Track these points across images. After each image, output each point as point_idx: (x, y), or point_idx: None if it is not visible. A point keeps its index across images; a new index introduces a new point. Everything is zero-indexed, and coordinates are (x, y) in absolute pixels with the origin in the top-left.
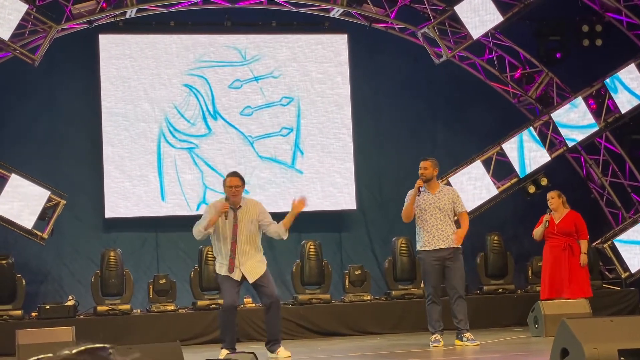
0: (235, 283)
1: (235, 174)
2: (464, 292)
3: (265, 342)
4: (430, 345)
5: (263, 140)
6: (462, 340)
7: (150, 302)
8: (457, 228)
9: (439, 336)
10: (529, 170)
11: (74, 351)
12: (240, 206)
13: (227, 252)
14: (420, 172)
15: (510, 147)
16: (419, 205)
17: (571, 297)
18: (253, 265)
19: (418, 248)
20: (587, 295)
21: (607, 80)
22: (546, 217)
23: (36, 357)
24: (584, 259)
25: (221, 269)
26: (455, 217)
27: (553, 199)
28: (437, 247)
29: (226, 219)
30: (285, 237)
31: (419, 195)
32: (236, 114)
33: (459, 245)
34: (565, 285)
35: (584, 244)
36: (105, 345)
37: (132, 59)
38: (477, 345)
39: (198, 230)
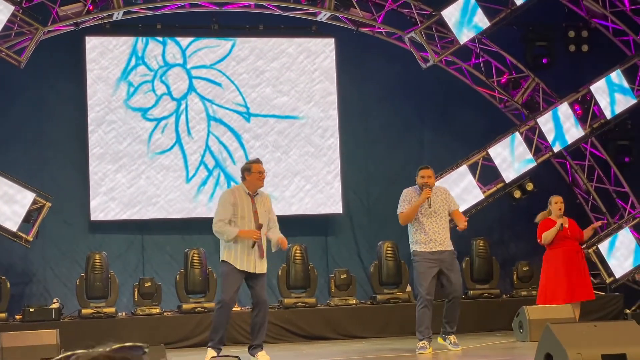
0: (238, 279)
1: (260, 160)
2: (461, 293)
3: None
4: (417, 352)
5: (252, 142)
6: (444, 341)
7: (135, 305)
8: (451, 228)
9: (426, 343)
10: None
11: (108, 349)
12: (257, 194)
13: (252, 240)
14: (424, 181)
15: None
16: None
17: (589, 299)
18: (262, 259)
19: (414, 249)
20: (593, 297)
21: (611, 74)
22: (561, 220)
23: (71, 352)
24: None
25: (229, 256)
26: (449, 217)
27: (562, 203)
28: (435, 250)
29: (252, 247)
30: (273, 250)
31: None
32: (225, 117)
33: (454, 250)
34: (581, 288)
35: (589, 231)
36: (141, 344)
37: (119, 61)
38: (460, 350)
39: (221, 232)
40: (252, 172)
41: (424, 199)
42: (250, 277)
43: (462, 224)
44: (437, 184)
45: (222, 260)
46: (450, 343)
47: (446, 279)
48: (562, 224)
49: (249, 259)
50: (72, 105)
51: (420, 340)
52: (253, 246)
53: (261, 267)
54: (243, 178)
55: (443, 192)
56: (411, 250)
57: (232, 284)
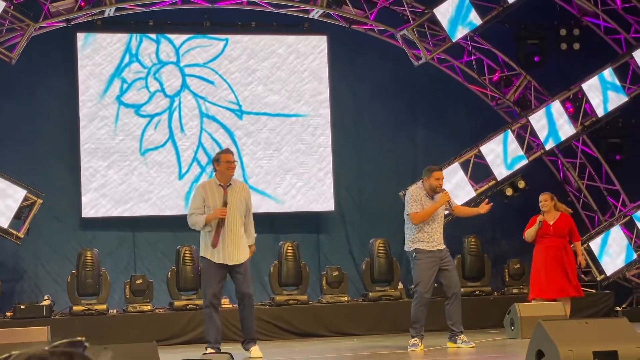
0: (219, 274)
1: (229, 150)
2: (460, 291)
3: (241, 341)
4: (408, 349)
5: (245, 139)
6: (455, 343)
7: (126, 302)
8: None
9: (418, 340)
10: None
11: (46, 348)
12: (230, 184)
13: (223, 232)
14: (439, 182)
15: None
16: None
17: (576, 295)
18: (238, 249)
19: (417, 247)
20: (581, 294)
21: (604, 72)
22: (540, 217)
23: (7, 354)
24: (582, 260)
25: (206, 251)
26: (448, 212)
27: (546, 201)
28: (435, 248)
29: (221, 227)
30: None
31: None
32: (218, 114)
33: (447, 248)
34: (565, 284)
35: (579, 246)
36: (80, 339)
37: (113, 57)
38: (473, 347)
39: (193, 224)
40: (221, 162)
41: (444, 202)
42: (232, 270)
43: (479, 209)
44: None
45: (201, 256)
46: (462, 342)
47: (444, 275)
48: (540, 222)
49: (225, 251)
50: (63, 101)
51: (413, 337)
52: (222, 225)
53: (238, 257)
54: (214, 169)
55: (445, 195)
56: (411, 249)
57: (213, 280)
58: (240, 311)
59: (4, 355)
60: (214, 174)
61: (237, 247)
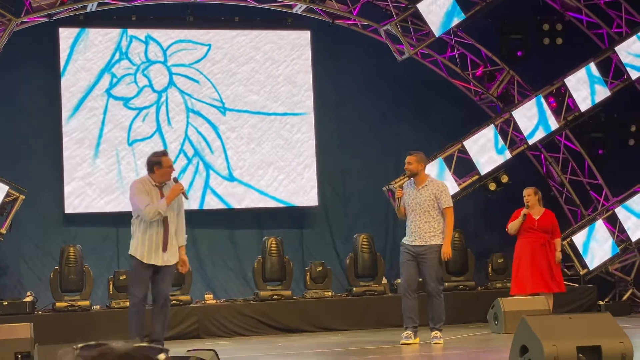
0: (147, 274)
1: (167, 153)
2: (435, 289)
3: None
4: (400, 342)
5: (228, 133)
6: (430, 338)
7: (110, 298)
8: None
9: (409, 332)
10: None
11: (133, 345)
12: (165, 184)
13: (157, 232)
14: (405, 167)
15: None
16: (405, 200)
17: (558, 290)
18: (168, 250)
19: (402, 240)
20: (563, 290)
21: (590, 66)
22: (524, 210)
23: (101, 342)
24: (559, 255)
25: (137, 250)
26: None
27: (530, 195)
28: (414, 243)
29: (187, 199)
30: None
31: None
32: (203, 109)
33: (437, 244)
34: (548, 279)
35: (559, 243)
36: (164, 347)
37: (94, 53)
38: (438, 344)
39: (156, 212)
40: (164, 166)
41: (396, 199)
42: (156, 271)
43: (446, 254)
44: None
45: (130, 255)
46: (433, 338)
47: (421, 273)
48: (524, 215)
49: (157, 252)
50: (46, 97)
51: (405, 329)
52: (168, 226)
53: (168, 259)
54: (151, 170)
55: (434, 187)
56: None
57: (141, 281)
58: (155, 313)
59: (97, 342)
60: (147, 174)
61: (172, 249)
